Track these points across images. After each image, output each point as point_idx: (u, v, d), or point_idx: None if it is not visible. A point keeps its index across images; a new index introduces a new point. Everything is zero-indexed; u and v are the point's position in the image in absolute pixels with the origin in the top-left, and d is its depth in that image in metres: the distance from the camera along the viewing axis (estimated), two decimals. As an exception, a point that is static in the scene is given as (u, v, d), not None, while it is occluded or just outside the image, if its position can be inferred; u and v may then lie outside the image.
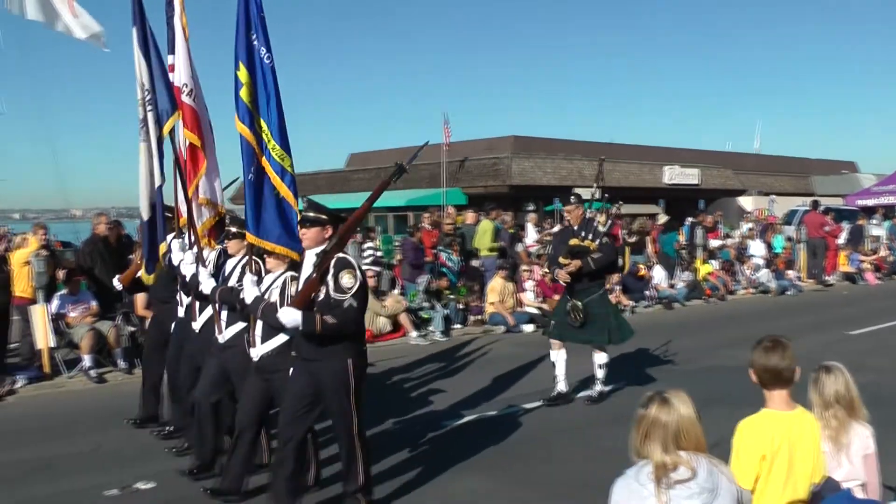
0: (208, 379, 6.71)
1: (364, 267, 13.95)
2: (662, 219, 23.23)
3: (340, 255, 5.54)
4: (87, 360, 10.92)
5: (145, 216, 8.18)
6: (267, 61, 6.68)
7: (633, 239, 19.37)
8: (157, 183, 7.98)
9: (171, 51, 8.01)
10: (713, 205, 32.85)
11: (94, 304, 11.63)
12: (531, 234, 19.02)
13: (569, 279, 9.01)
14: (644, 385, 9.62)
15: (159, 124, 7.70)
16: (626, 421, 3.69)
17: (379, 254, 17.05)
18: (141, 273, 8.60)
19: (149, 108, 7.86)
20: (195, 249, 7.24)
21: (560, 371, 9.35)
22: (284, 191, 6.28)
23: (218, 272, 6.93)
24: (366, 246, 16.49)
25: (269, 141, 6.43)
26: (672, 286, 19.12)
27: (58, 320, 11.28)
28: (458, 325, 15.00)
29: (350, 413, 5.61)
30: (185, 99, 7.61)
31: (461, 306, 15.21)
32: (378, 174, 43.09)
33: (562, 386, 9.35)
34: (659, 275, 19.07)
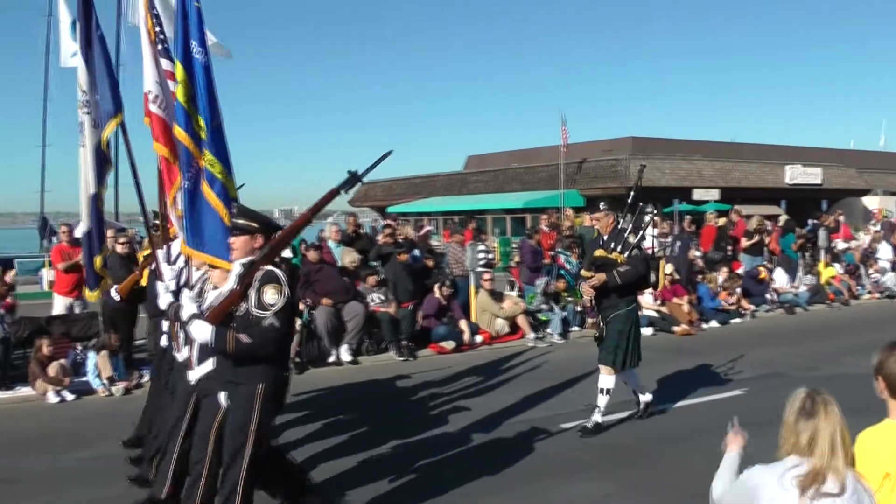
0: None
1: (478, 270, 14.13)
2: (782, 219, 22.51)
3: (269, 267, 4.95)
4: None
5: (83, 227, 7.88)
6: (198, 56, 6.25)
7: (753, 240, 18.86)
8: (92, 191, 7.61)
9: (164, 55, 7.43)
10: (836, 205, 31.82)
11: (218, 303, 11.91)
12: (649, 237, 18.76)
13: (592, 293, 8.20)
14: (761, 394, 9.36)
15: (99, 129, 7.45)
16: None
17: (490, 256, 17.04)
18: (85, 290, 8.44)
19: (85, 110, 7.56)
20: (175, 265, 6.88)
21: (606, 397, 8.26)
22: (213, 200, 5.89)
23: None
24: (479, 248, 16.51)
25: (191, 144, 6.02)
26: (794, 289, 18.60)
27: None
28: (576, 328, 14.89)
29: (245, 441, 4.90)
30: (151, 107, 7.11)
31: (579, 309, 15.08)
32: (496, 176, 43.21)
33: (597, 416, 8.24)
34: (780, 278, 18.56)
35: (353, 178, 5.18)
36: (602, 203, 8.46)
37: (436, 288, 13.49)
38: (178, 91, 6.13)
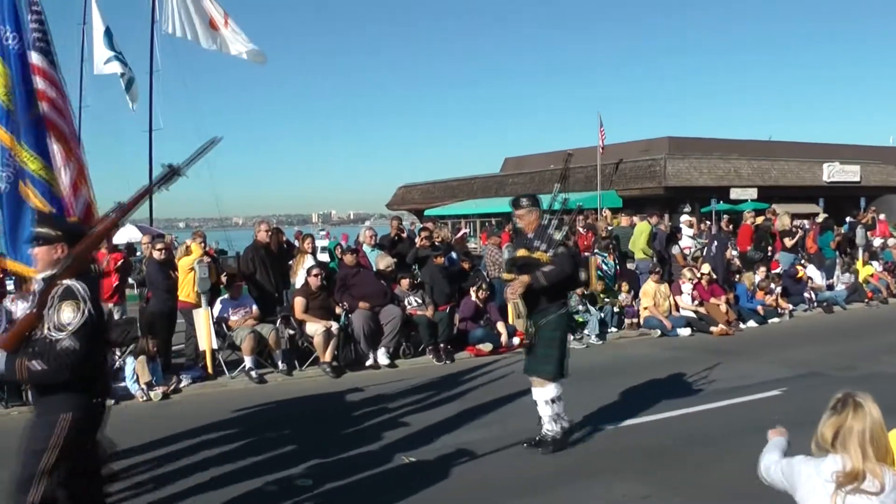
0: None
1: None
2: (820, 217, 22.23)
3: (68, 282, 4.36)
4: (248, 362, 11.32)
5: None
6: (14, 45, 5.99)
7: (795, 239, 18.67)
8: None
9: (32, 47, 7.25)
10: (874, 202, 31.39)
11: (254, 308, 12.04)
12: (686, 237, 18.62)
13: (516, 298, 7.53)
14: (799, 394, 9.24)
15: None
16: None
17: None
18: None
19: None
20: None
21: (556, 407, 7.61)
22: (35, 201, 5.61)
23: None
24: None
25: (12, 143, 5.82)
26: (830, 288, 18.39)
27: (220, 323, 11.74)
28: (614, 329, 14.79)
29: (34, 475, 4.35)
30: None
31: (616, 310, 14.98)
32: (533, 178, 43.07)
33: (549, 425, 7.62)
34: (815, 276, 18.38)
35: (172, 173, 4.74)
36: (524, 199, 7.69)
37: (472, 290, 13.46)
38: None
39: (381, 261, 13.25)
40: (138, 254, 14.61)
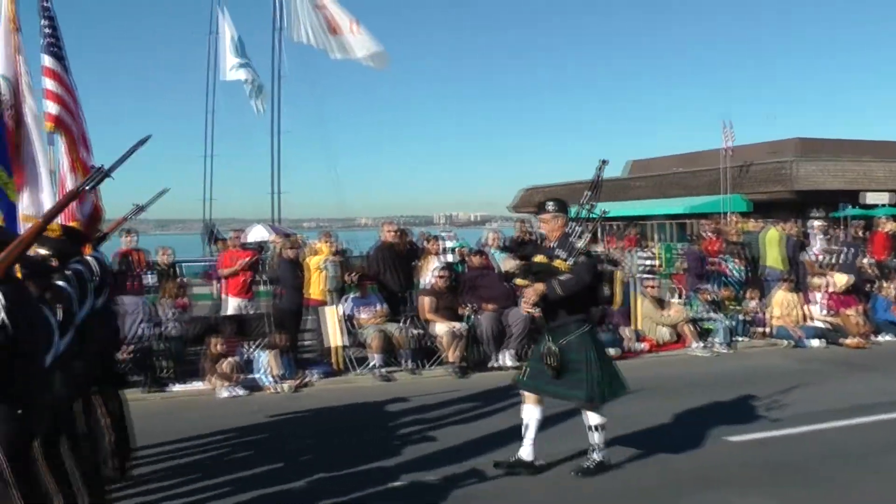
0: None
1: (641, 276, 13.92)
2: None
3: None
4: (376, 359, 11.54)
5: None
6: None
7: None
8: None
9: (45, 50, 7.55)
10: None
11: (382, 306, 12.26)
12: (818, 243, 18.02)
13: (531, 310, 7.18)
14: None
15: None
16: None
17: (653, 262, 16.73)
18: None
19: None
20: None
21: (530, 434, 7.05)
22: None
23: None
24: (642, 255, 16.25)
25: None
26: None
27: (349, 321, 12.00)
28: (742, 338, 14.45)
29: (3, 490, 4.22)
30: None
31: (745, 318, 14.64)
32: (659, 182, 42.49)
33: (526, 452, 7.05)
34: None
35: (99, 174, 4.62)
36: (550, 204, 7.22)
37: (598, 294, 13.34)
38: None
39: (506, 262, 13.29)
40: (268, 252, 15.01)
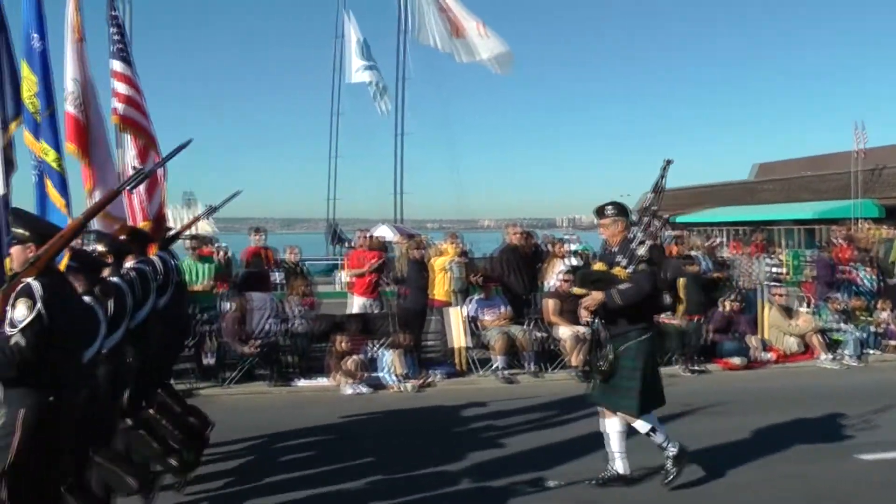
0: None
1: (768, 284, 13.55)
2: None
3: (28, 280, 4.43)
4: (499, 361, 11.55)
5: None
6: (36, 45, 6.21)
7: None
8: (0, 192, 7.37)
9: (115, 56, 7.87)
10: None
11: (506, 308, 12.28)
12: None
13: (588, 318, 7.00)
14: None
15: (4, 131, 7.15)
16: None
17: (780, 269, 16.22)
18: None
19: None
20: None
21: (614, 445, 6.82)
22: (53, 194, 5.77)
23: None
24: (769, 262, 15.76)
25: (34, 144, 6.01)
26: None
27: (472, 322, 12.06)
28: (873, 351, 13.91)
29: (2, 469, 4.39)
30: (66, 106, 7.18)
31: (876, 330, 14.07)
32: (786, 186, 41.40)
33: (619, 464, 6.82)
34: None
35: (140, 175, 4.99)
36: (609, 207, 6.89)
37: (723, 301, 13.09)
38: (24, 89, 6.11)
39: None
40: (392, 253, 15.19)
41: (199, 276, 12.37)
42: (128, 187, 5.09)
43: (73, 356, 4.69)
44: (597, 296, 6.55)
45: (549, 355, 12.16)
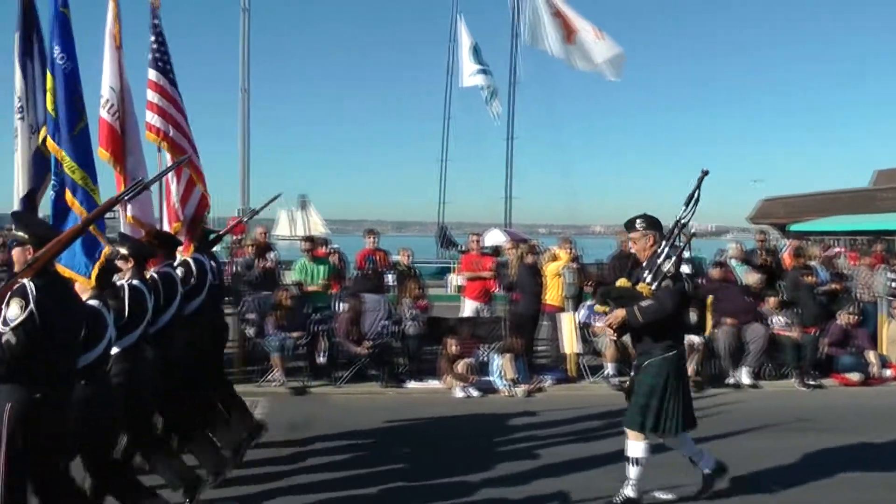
0: None
1: (888, 297, 13.00)
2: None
3: (24, 280, 4.59)
4: (610, 368, 11.46)
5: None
6: (60, 62, 6.31)
7: None
8: (21, 192, 7.62)
9: (152, 65, 8.00)
10: None
11: (619, 316, 12.13)
12: None
13: (612, 335, 6.78)
14: None
15: (35, 135, 7.45)
16: None
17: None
18: None
19: (18, 116, 7.57)
20: None
21: (634, 470, 6.55)
22: (76, 207, 5.88)
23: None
24: (890, 274, 15.11)
25: (59, 153, 6.17)
26: None
27: (584, 329, 11.97)
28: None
29: None
30: (101, 112, 7.32)
31: None
32: (910, 194, 39.76)
33: (629, 489, 6.56)
34: None
35: (138, 185, 5.19)
36: (639, 220, 6.63)
37: (840, 314, 12.66)
38: (48, 100, 6.28)
39: (750, 276, 12.84)
40: (503, 258, 15.17)
41: (313, 277, 12.59)
42: (126, 197, 5.30)
43: (66, 356, 4.85)
44: (619, 313, 6.39)
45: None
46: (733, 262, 13.65)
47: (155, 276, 6.52)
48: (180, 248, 7.59)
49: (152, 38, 8.13)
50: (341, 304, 12.05)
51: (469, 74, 32.46)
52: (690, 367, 11.33)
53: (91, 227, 5.86)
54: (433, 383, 11.45)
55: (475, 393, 10.87)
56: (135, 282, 6.02)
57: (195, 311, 7.24)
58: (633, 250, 6.87)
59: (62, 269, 5.89)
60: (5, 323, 4.48)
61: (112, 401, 5.53)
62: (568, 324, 11.85)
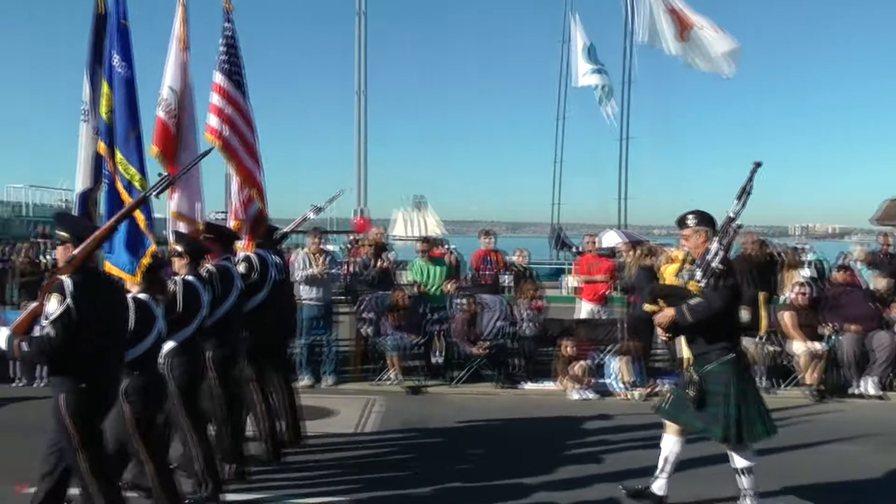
0: None
1: None
2: None
3: (63, 277, 4.90)
4: (760, 372, 11.23)
5: None
6: (120, 70, 6.55)
7: None
8: (81, 189, 7.63)
9: (218, 68, 8.15)
10: None
11: (739, 319, 11.88)
12: None
13: (665, 335, 6.57)
14: None
15: (97, 138, 7.43)
16: None
17: None
18: None
19: (82, 118, 7.59)
20: None
21: (666, 467, 6.51)
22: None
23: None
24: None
25: (117, 155, 6.48)
26: None
27: (702, 332, 11.72)
28: None
29: (71, 453, 5.03)
30: (157, 111, 7.60)
31: None
32: None
33: (658, 485, 6.52)
34: None
35: (164, 182, 5.52)
36: (691, 216, 6.45)
37: None
38: (102, 104, 6.54)
39: (878, 281, 12.41)
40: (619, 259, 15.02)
41: (430, 278, 12.71)
42: (154, 193, 5.58)
43: (108, 348, 5.15)
44: (668, 312, 6.23)
45: (781, 371, 11.71)
46: (858, 266, 13.21)
47: (212, 269, 6.86)
48: (241, 244, 8.04)
49: (221, 42, 8.39)
50: (457, 305, 12.15)
51: (583, 74, 32.17)
52: (813, 376, 11.07)
53: (142, 224, 6.40)
54: (548, 385, 11.45)
55: (591, 395, 10.84)
56: (189, 277, 6.37)
57: (258, 306, 7.56)
58: (685, 248, 6.71)
59: (110, 267, 6.33)
60: (46, 317, 4.83)
61: (162, 391, 5.91)
62: (686, 327, 11.61)
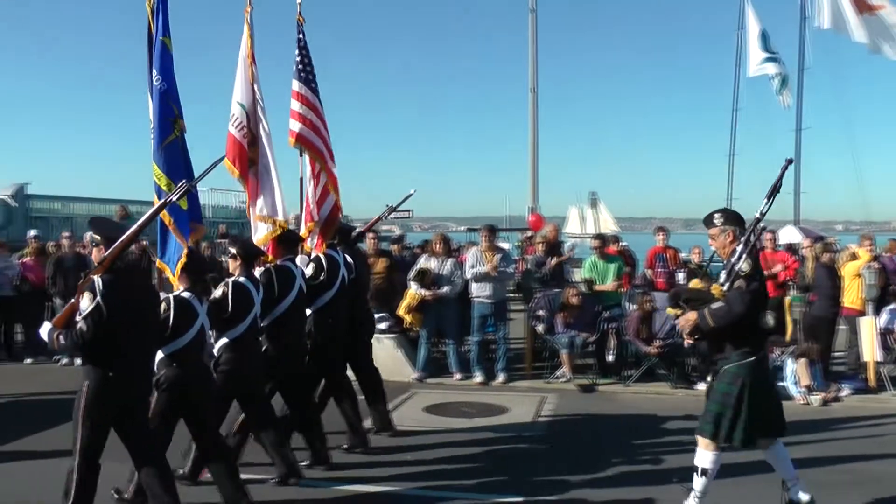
0: None
1: None
2: None
3: (95, 276, 5.43)
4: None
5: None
6: (156, 84, 6.94)
7: None
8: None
9: (296, 76, 8.81)
10: None
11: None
12: None
13: (689, 340, 6.45)
14: None
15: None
16: None
17: None
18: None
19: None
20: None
21: (700, 482, 6.13)
22: (163, 213, 6.37)
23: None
24: None
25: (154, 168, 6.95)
26: None
27: (886, 335, 11.37)
28: None
29: (75, 437, 5.50)
30: (229, 127, 8.23)
31: None
32: None
33: (691, 502, 6.16)
34: None
35: (182, 188, 6.01)
36: (717, 215, 6.23)
37: None
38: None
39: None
40: (798, 255, 14.60)
41: (603, 275, 12.73)
42: (173, 198, 6.04)
43: (136, 341, 5.60)
44: (690, 316, 6.05)
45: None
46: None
47: (271, 269, 7.36)
48: (313, 245, 8.54)
49: (296, 52, 8.99)
50: (631, 303, 12.17)
51: (757, 63, 31.22)
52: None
53: (172, 230, 6.91)
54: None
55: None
56: (240, 279, 6.81)
57: (327, 304, 7.99)
58: (712, 248, 6.49)
59: (161, 265, 6.99)
60: (80, 313, 5.36)
61: (200, 383, 6.33)
62: (867, 329, 11.18)
